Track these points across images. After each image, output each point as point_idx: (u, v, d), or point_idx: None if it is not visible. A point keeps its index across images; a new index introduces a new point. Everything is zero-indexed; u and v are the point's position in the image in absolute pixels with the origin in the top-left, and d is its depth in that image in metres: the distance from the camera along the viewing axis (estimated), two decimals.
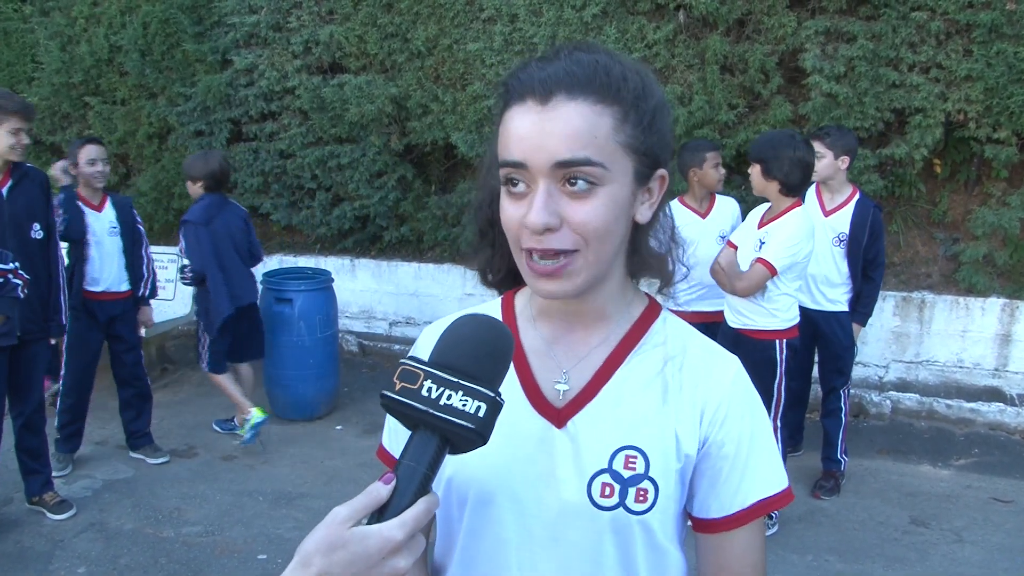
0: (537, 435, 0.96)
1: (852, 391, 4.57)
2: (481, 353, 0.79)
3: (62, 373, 4.25)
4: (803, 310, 3.69)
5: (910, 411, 5.02)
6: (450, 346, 0.79)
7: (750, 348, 3.41)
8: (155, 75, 6.49)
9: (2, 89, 3.70)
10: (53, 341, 3.82)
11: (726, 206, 4.27)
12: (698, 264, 3.63)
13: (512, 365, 0.93)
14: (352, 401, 5.45)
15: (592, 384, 0.98)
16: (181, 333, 6.36)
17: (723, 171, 4.21)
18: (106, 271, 4.26)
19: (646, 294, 1.06)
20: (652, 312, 1.04)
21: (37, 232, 3.61)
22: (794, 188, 3.40)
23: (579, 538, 0.94)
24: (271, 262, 6.44)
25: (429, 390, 0.75)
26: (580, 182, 0.85)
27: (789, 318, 3.49)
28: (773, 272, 3.34)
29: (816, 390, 4.45)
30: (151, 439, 4.53)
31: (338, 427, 5.06)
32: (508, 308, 1.06)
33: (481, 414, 0.75)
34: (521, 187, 0.88)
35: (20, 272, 3.34)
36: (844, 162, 3.92)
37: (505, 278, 1.07)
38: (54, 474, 4.00)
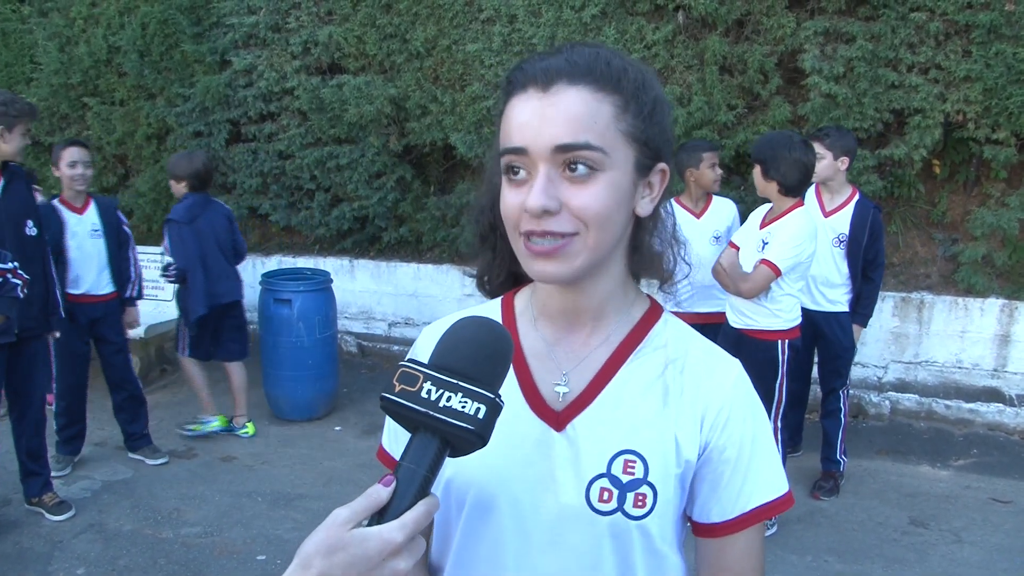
0: (536, 438, 0.96)
1: (851, 392, 4.58)
2: (480, 355, 0.79)
3: (54, 376, 4.23)
4: (803, 311, 3.69)
5: (909, 412, 5.02)
6: (449, 348, 0.79)
7: (752, 348, 3.40)
8: (154, 76, 6.48)
9: (9, 93, 3.68)
10: (58, 334, 3.82)
11: (723, 207, 4.26)
12: (691, 265, 3.62)
13: (512, 367, 0.92)
14: (351, 402, 5.45)
15: (592, 387, 0.97)
16: None
17: (720, 171, 4.20)
18: (86, 273, 4.23)
19: (648, 295, 1.06)
20: (654, 314, 1.03)
21: (31, 229, 3.62)
22: (793, 189, 3.39)
23: (577, 542, 0.94)
24: (270, 263, 6.45)
25: (429, 392, 0.75)
26: (580, 167, 0.85)
27: (792, 318, 3.49)
28: (777, 273, 3.34)
29: (815, 391, 4.45)
30: (150, 440, 4.52)
31: (337, 428, 5.06)
32: (508, 309, 1.06)
33: (481, 416, 0.74)
34: (522, 174, 0.88)
35: (19, 272, 3.34)
36: (844, 163, 3.92)
37: (505, 282, 1.07)
38: (53, 475, 3.99)
